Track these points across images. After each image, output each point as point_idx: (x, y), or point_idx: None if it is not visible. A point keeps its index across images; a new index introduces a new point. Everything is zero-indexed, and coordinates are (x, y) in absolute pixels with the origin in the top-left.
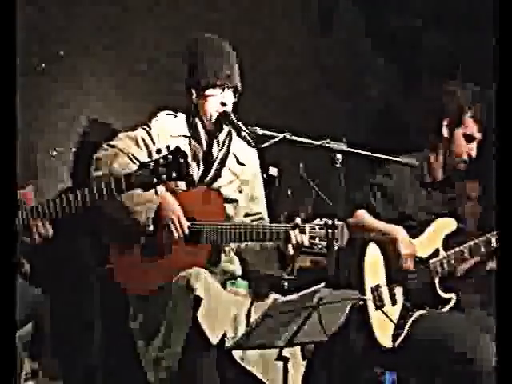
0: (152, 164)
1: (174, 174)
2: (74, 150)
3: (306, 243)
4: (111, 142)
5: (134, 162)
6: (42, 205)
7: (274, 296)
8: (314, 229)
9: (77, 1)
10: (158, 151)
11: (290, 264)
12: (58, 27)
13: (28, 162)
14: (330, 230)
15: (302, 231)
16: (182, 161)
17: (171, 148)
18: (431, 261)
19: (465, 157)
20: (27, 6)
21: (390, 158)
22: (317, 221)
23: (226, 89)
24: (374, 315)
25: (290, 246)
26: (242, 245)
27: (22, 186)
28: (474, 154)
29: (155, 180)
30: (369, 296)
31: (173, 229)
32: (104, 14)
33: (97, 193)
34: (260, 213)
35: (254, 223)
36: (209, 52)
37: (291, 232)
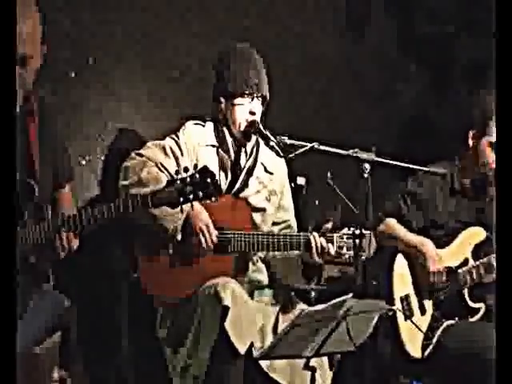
0: (179, 182)
1: (200, 194)
2: (102, 158)
3: (333, 253)
4: (139, 151)
5: (161, 171)
6: (66, 218)
7: (301, 306)
8: (342, 238)
9: (108, 7)
10: (186, 170)
11: (315, 274)
12: (90, 34)
13: (62, 168)
14: (357, 240)
15: (330, 240)
16: (209, 180)
17: (199, 166)
18: (460, 270)
19: (492, 165)
20: (58, 12)
21: (418, 167)
22: (345, 230)
23: (254, 98)
24: (403, 325)
25: (314, 254)
26: (270, 255)
27: (61, 186)
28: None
29: (182, 199)
30: (398, 306)
31: (202, 238)
32: (136, 20)
33: (123, 210)
34: (288, 220)
35: (282, 232)
36: (238, 61)
37: (312, 239)
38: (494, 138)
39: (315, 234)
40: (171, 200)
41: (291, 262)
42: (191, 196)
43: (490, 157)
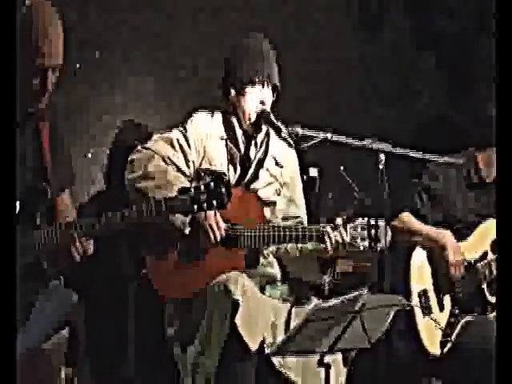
0: (193, 190)
1: (214, 203)
2: (107, 151)
3: (347, 240)
4: (146, 145)
5: (168, 165)
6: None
7: (314, 301)
8: (356, 229)
9: (115, 6)
10: (199, 175)
11: (328, 268)
12: (97, 32)
13: (65, 167)
14: (372, 230)
15: (344, 230)
16: (223, 190)
17: (213, 172)
18: (479, 264)
19: None
20: (65, 10)
21: (434, 157)
22: (359, 220)
23: (265, 86)
24: (422, 321)
25: (328, 245)
26: (282, 249)
27: (59, 191)
28: None
29: (195, 207)
30: (415, 301)
31: (210, 232)
32: (143, 18)
33: (137, 216)
34: (299, 216)
35: (291, 224)
36: (249, 50)
37: (329, 229)
38: None
39: (335, 232)
40: (185, 208)
41: (303, 258)
42: (205, 205)
43: None
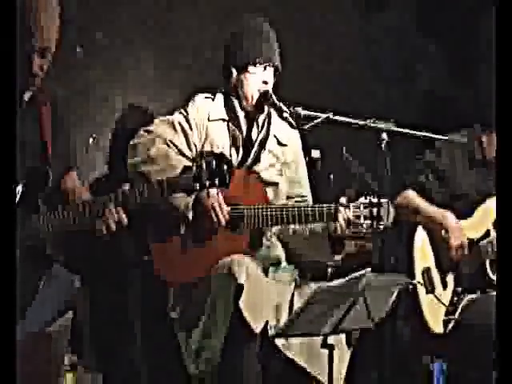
0: (195, 169)
1: (216, 181)
2: (109, 137)
3: (351, 218)
4: (148, 128)
5: (170, 148)
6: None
7: (317, 282)
8: (359, 207)
9: None
10: (202, 156)
11: (342, 246)
12: (97, 17)
13: (68, 151)
14: (375, 208)
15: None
16: (225, 168)
17: (216, 152)
18: (482, 242)
19: None
20: None
21: (437, 136)
22: (361, 199)
23: (267, 67)
24: (425, 299)
25: (339, 225)
26: (290, 231)
27: (66, 171)
28: None
29: (198, 186)
30: (419, 279)
31: (213, 215)
32: (144, 3)
33: (139, 194)
34: (304, 196)
35: (298, 204)
36: (250, 32)
37: (341, 208)
38: None
39: (341, 205)
40: (187, 186)
41: (313, 239)
42: (207, 183)
43: None
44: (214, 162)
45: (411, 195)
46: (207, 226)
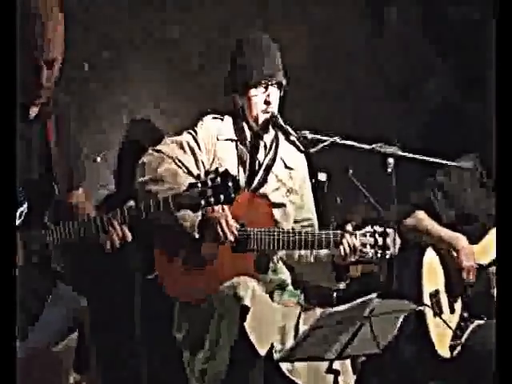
0: (200, 185)
1: (222, 198)
2: (117, 152)
3: (358, 246)
4: (157, 147)
5: (179, 167)
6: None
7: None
8: (365, 235)
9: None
10: (207, 173)
11: (347, 273)
12: (106, 28)
13: (77, 167)
14: (381, 238)
15: (354, 237)
16: (230, 184)
17: (220, 169)
18: (491, 268)
19: None
20: (74, 7)
21: (444, 162)
22: (367, 228)
23: (269, 86)
24: (432, 323)
25: (347, 251)
26: (296, 256)
27: (72, 189)
28: None
29: (203, 202)
30: (427, 302)
31: (219, 230)
32: (153, 14)
33: (144, 211)
34: (310, 219)
35: (304, 230)
36: (250, 51)
37: (347, 236)
38: None
39: (346, 232)
40: (192, 203)
41: (318, 265)
42: (212, 199)
43: None
44: (219, 179)
45: (421, 216)
46: (214, 243)
